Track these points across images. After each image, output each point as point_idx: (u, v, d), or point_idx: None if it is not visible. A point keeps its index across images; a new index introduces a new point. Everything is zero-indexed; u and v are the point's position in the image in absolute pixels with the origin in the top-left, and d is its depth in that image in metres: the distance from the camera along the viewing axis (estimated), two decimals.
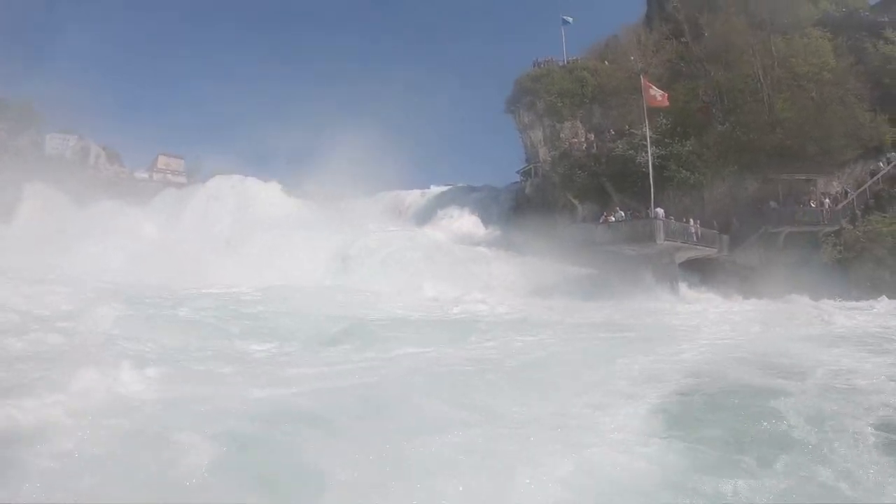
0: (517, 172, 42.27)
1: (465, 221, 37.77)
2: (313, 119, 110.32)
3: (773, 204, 27.61)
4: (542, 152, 38.00)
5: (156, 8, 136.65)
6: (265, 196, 41.72)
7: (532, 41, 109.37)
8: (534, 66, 41.12)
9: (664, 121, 31.47)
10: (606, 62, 39.31)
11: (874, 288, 25.53)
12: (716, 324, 17.12)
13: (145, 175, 72.67)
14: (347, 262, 30.16)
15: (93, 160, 68.29)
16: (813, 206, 28.70)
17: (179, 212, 42.32)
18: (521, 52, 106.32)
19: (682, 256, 26.22)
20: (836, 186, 30.56)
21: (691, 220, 26.23)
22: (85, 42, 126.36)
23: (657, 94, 26.50)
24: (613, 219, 26.13)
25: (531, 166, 39.45)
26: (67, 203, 46.10)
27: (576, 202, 34.21)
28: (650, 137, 28.99)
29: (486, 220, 37.98)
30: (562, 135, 37.34)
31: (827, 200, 28.13)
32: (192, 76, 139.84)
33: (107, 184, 54.26)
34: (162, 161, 77.84)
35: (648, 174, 27.08)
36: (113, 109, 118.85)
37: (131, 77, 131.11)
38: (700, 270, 27.68)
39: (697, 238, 25.63)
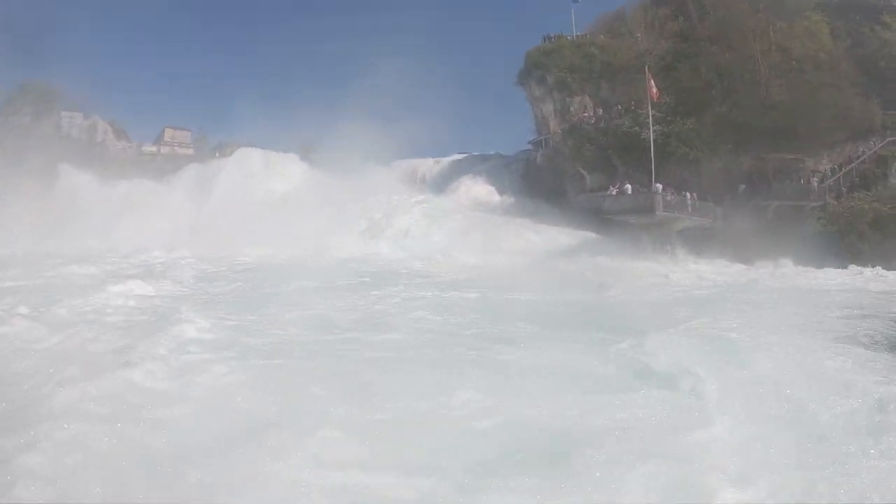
0: (528, 143, 46.49)
1: (480, 189, 41.73)
2: (324, 89, 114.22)
3: (742, 187, 31.97)
4: (553, 125, 41.90)
5: None
6: (288, 168, 45.97)
7: (543, 13, 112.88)
8: (544, 40, 44.78)
9: (667, 99, 35.62)
10: (614, 37, 43.35)
11: (853, 258, 29.56)
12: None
13: (153, 148, 75.90)
14: (373, 230, 34.60)
15: (100, 136, 71.85)
16: (807, 182, 33.14)
17: (205, 186, 46.36)
18: (532, 25, 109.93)
19: (679, 226, 30.63)
20: (825, 164, 34.83)
21: (688, 194, 30.63)
22: (83, 18, 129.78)
23: (654, 88, 30.98)
24: (616, 191, 30.72)
25: (542, 138, 43.59)
26: (94, 182, 50.32)
27: (584, 173, 38.43)
28: (654, 115, 33.41)
29: (499, 189, 42.01)
30: (571, 108, 41.26)
31: (815, 179, 32.45)
32: (194, 45, 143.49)
33: (126, 161, 58.32)
34: (168, 134, 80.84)
35: (655, 152, 31.58)
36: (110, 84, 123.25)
37: (130, 51, 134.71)
38: (697, 238, 32.08)
39: (693, 210, 30.10)
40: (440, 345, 8.56)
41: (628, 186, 31.52)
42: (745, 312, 12.79)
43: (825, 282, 22.46)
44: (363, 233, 33.51)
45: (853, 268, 26.98)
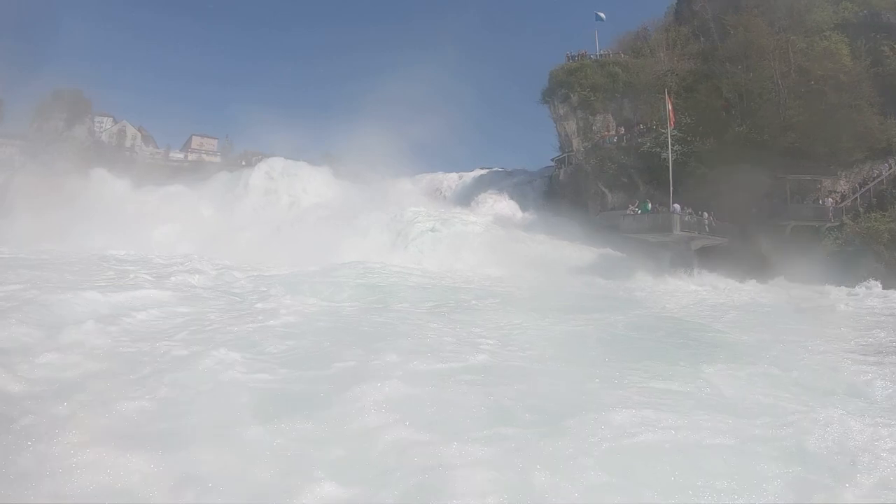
0: (552, 160, 48.11)
1: (503, 205, 43.41)
2: (347, 101, 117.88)
3: (753, 210, 33.40)
4: (576, 143, 43.48)
5: None
6: (315, 179, 47.99)
7: (567, 31, 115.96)
8: (567, 59, 46.50)
9: (687, 120, 37.07)
10: (636, 56, 44.89)
11: (869, 277, 30.65)
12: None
13: (180, 155, 78.79)
14: (401, 242, 36.29)
15: (129, 142, 74.87)
16: (821, 203, 34.31)
17: (236, 194, 48.52)
18: (557, 42, 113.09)
19: (696, 244, 31.97)
20: (842, 185, 35.99)
21: (705, 213, 32.00)
22: (112, 26, 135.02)
23: (672, 113, 32.69)
24: (638, 210, 32.33)
25: (565, 155, 45.20)
26: (126, 187, 52.68)
27: (606, 191, 39.97)
28: (674, 136, 34.92)
29: (522, 204, 43.57)
30: (594, 127, 42.80)
31: (830, 199, 33.61)
32: (219, 55, 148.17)
33: (155, 167, 60.91)
34: (195, 141, 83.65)
35: (674, 172, 33.08)
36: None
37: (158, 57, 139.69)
38: (715, 256, 33.35)
39: (710, 229, 31.50)
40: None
41: (648, 204, 33.16)
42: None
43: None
44: (390, 246, 35.24)
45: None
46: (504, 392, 7.49)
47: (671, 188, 31.69)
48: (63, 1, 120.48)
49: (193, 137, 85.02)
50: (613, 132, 41.49)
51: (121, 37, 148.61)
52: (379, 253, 32.36)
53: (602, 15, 48.19)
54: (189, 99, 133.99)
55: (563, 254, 33.94)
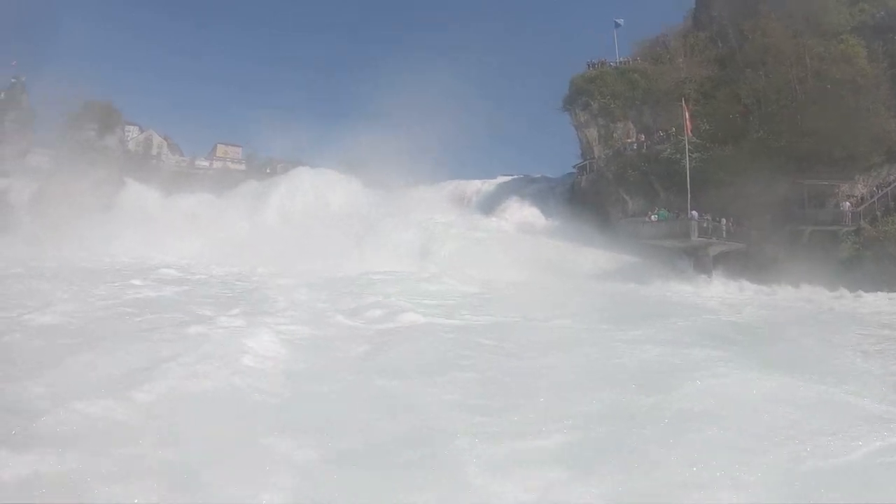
0: (573, 167, 49.67)
1: (527, 212, 44.86)
2: (370, 109, 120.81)
3: (768, 217, 34.63)
4: (597, 150, 44.79)
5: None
6: (343, 188, 50.12)
7: (587, 39, 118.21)
8: (588, 67, 47.81)
9: (706, 126, 38.41)
10: (656, 63, 46.29)
11: (887, 282, 31.60)
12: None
13: (205, 163, 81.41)
14: (427, 249, 38.15)
15: (155, 150, 77.64)
16: (840, 207, 35.57)
17: (264, 203, 50.77)
18: (577, 49, 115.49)
19: (715, 250, 33.39)
20: (860, 188, 37.15)
21: (723, 220, 33.48)
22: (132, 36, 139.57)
23: (689, 122, 34.25)
24: (655, 217, 33.97)
25: (586, 162, 46.73)
26: (156, 194, 55.18)
27: (627, 197, 41.38)
28: (693, 143, 36.43)
29: (545, 211, 45.03)
30: (615, 134, 44.16)
31: (847, 203, 34.79)
32: (244, 62, 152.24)
33: (182, 175, 63.51)
34: (220, 150, 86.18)
35: (693, 179, 34.64)
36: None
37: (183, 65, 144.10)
38: (734, 261, 34.73)
39: (728, 235, 32.95)
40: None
41: (665, 211, 34.74)
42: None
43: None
44: (418, 254, 37.07)
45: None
46: None
47: (689, 195, 33.21)
48: (87, 12, 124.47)
49: (218, 146, 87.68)
50: (633, 139, 42.93)
51: (143, 44, 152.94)
52: (408, 262, 34.22)
53: (620, 21, 49.66)
54: (211, 107, 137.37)
55: (587, 259, 35.51)
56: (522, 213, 45.26)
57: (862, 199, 36.49)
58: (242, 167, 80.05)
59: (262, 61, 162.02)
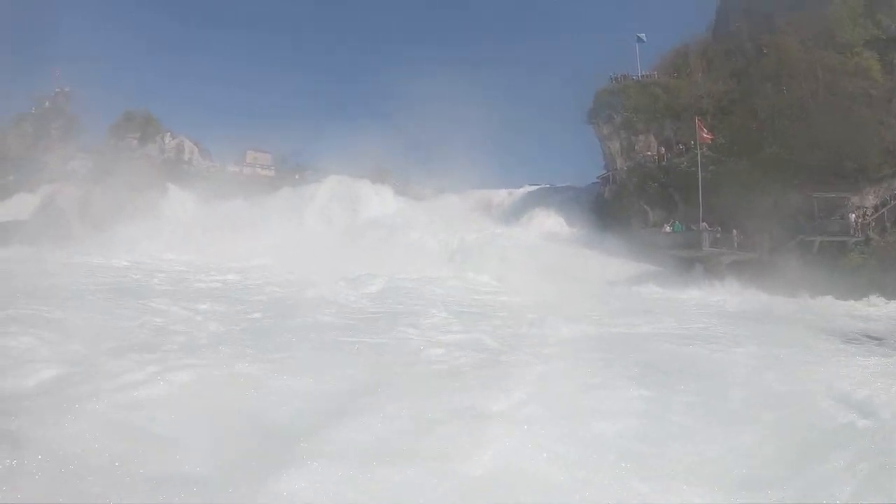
0: (597, 178, 53.22)
1: (552, 222, 47.99)
2: (399, 118, 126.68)
3: (775, 230, 37.82)
4: (619, 162, 48.03)
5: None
6: (376, 195, 54.17)
7: (611, 50, 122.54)
8: (611, 80, 51.01)
9: (722, 140, 41.39)
10: (677, 76, 49.60)
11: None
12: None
13: (236, 169, 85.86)
14: (455, 256, 41.92)
15: (187, 156, 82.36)
16: (852, 217, 38.61)
17: (300, 209, 54.85)
18: (602, 61, 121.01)
19: (727, 259, 36.60)
20: (871, 200, 40.13)
21: (735, 230, 36.78)
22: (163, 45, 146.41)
23: (705, 133, 37.71)
24: (669, 229, 37.72)
25: (609, 173, 50.24)
26: (196, 201, 59.50)
27: (647, 208, 44.79)
28: (710, 156, 39.94)
29: (569, 221, 48.01)
30: (636, 147, 47.54)
31: (852, 215, 37.65)
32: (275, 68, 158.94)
33: (226, 182, 67.92)
34: (250, 156, 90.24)
35: (709, 191, 38.18)
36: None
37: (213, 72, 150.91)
38: (746, 270, 37.76)
39: (739, 245, 36.31)
40: None
41: (678, 224, 38.51)
42: None
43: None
44: (447, 261, 40.74)
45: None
46: None
47: (700, 208, 36.74)
48: (119, 21, 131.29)
49: (248, 152, 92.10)
50: (654, 152, 46.45)
51: (171, 51, 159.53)
52: (438, 268, 37.92)
53: (643, 37, 53.01)
54: (240, 113, 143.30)
55: (607, 268, 38.74)
56: (547, 222, 48.39)
57: (875, 208, 39.22)
58: (271, 173, 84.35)
59: (291, 68, 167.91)
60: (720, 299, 31.12)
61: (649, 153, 46.03)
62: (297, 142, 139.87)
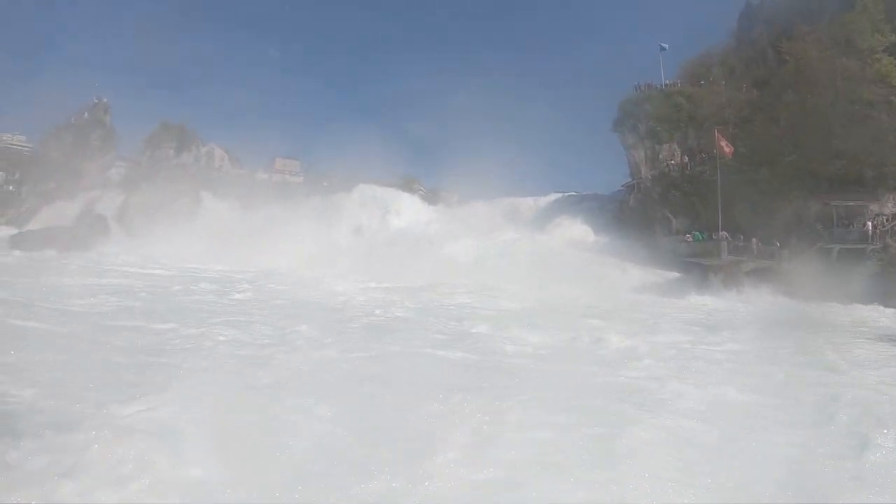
0: (622, 186, 55.21)
1: (577, 230, 49.84)
2: (426, 127, 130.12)
3: (793, 238, 39.66)
4: (644, 170, 49.94)
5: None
6: (407, 204, 56.66)
7: (635, 59, 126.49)
8: (634, 89, 52.96)
9: (743, 150, 42.62)
10: (701, 82, 51.28)
11: None
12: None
13: (265, 176, 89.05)
14: (484, 263, 44.05)
15: (217, 163, 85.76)
16: (869, 225, 40.23)
17: (331, 218, 57.39)
18: (626, 68, 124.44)
19: (746, 267, 38.38)
20: (890, 208, 41.59)
21: (754, 239, 38.47)
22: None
23: (725, 146, 39.66)
24: (689, 238, 39.79)
25: (634, 182, 52.26)
26: (230, 209, 62.40)
27: (671, 216, 46.73)
28: (730, 165, 41.73)
29: (594, 228, 49.70)
30: (660, 156, 49.48)
31: (869, 223, 39.02)
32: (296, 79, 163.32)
33: (259, 189, 71.06)
34: (279, 163, 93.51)
35: (730, 199, 40.09)
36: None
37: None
38: (766, 278, 39.25)
39: (758, 253, 38.17)
40: None
41: (698, 234, 40.54)
42: None
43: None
44: (474, 265, 42.79)
45: None
46: None
47: (720, 217, 38.65)
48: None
49: (277, 160, 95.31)
50: (677, 160, 48.39)
51: (200, 59, 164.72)
52: (468, 273, 39.94)
53: (665, 46, 55.00)
54: (268, 119, 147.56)
55: (631, 275, 40.56)
56: (573, 230, 50.23)
57: (894, 216, 40.40)
58: (300, 180, 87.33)
59: (319, 76, 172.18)
60: (735, 305, 32.95)
61: (673, 162, 47.86)
62: (324, 147, 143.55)
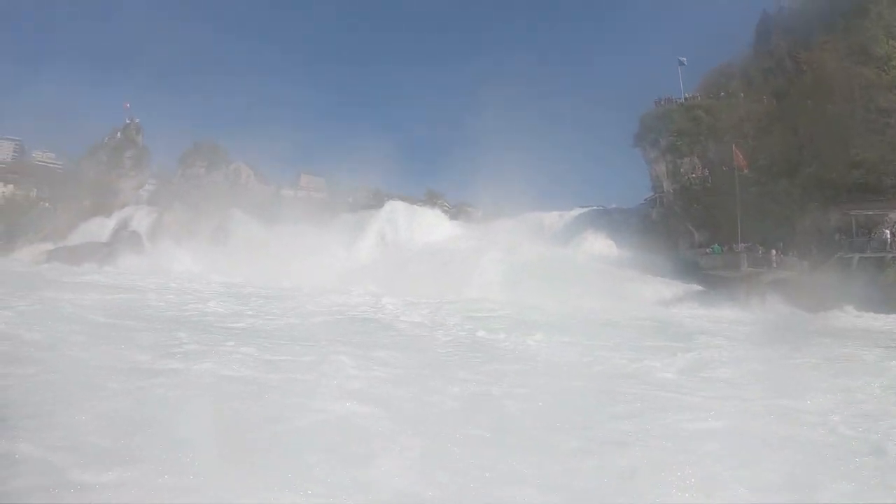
0: (644, 199, 56.55)
1: (601, 244, 51.05)
2: (449, 141, 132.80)
3: (813, 247, 40.86)
4: (666, 185, 51.13)
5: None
6: (435, 221, 58.65)
7: (655, 73, 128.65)
8: (655, 104, 54.26)
9: (762, 162, 44.05)
10: (721, 94, 52.61)
11: None
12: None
13: (290, 192, 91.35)
14: (511, 279, 45.59)
15: (244, 180, 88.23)
16: (887, 233, 41.24)
17: (360, 233, 59.71)
18: (650, 80, 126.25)
19: (767, 278, 39.64)
20: None
21: (774, 250, 39.80)
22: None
23: (741, 160, 41.29)
24: (710, 251, 41.37)
25: (657, 196, 53.58)
26: (259, 225, 64.60)
27: (693, 230, 48.14)
28: (750, 178, 43.14)
29: (618, 242, 50.65)
30: (682, 170, 50.73)
31: (887, 231, 39.43)
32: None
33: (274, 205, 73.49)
34: (304, 179, 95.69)
35: (751, 211, 41.58)
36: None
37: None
38: (786, 289, 39.87)
39: (777, 264, 39.54)
40: None
41: (717, 246, 41.91)
42: None
43: None
44: (502, 283, 44.27)
45: None
46: None
47: (739, 230, 40.14)
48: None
49: (302, 176, 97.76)
50: (698, 173, 49.69)
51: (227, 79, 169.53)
52: (494, 290, 41.31)
53: (684, 60, 56.46)
54: (289, 133, 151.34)
55: (654, 289, 41.59)
56: (597, 244, 51.41)
57: None
58: (324, 195, 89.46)
59: (342, 92, 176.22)
60: (755, 316, 34.31)
61: (694, 175, 49.26)
62: (348, 162, 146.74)
